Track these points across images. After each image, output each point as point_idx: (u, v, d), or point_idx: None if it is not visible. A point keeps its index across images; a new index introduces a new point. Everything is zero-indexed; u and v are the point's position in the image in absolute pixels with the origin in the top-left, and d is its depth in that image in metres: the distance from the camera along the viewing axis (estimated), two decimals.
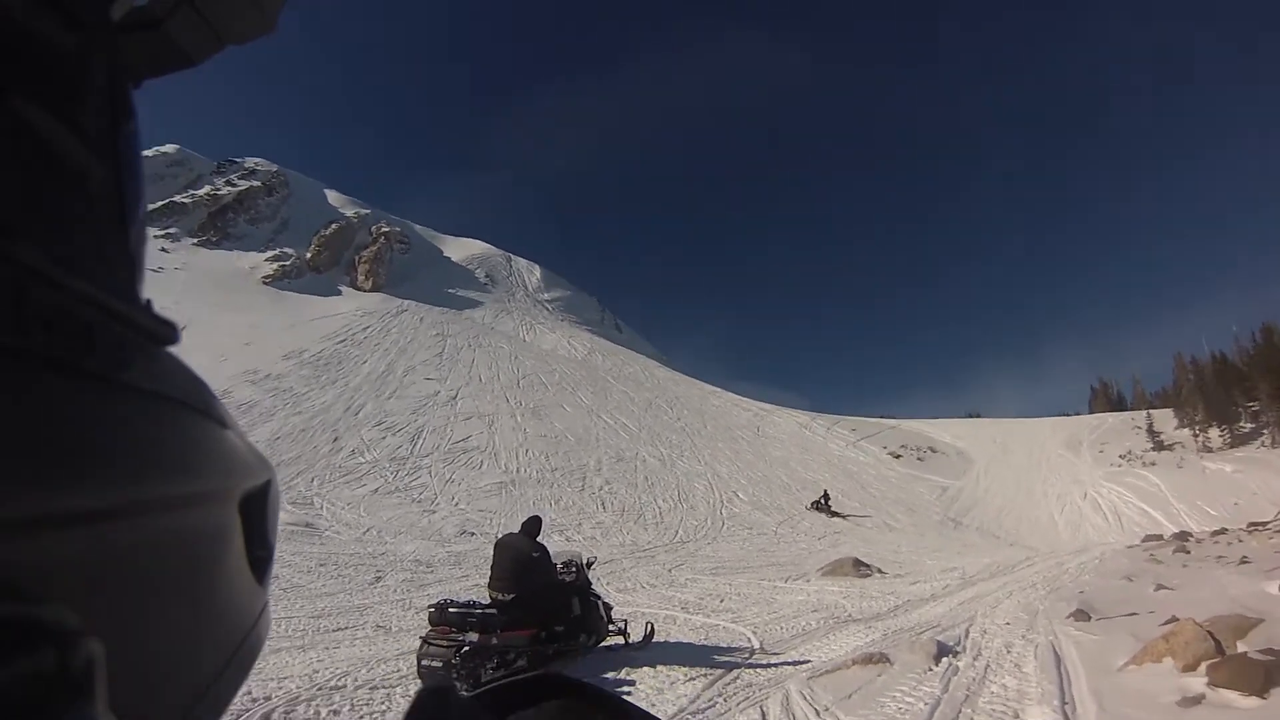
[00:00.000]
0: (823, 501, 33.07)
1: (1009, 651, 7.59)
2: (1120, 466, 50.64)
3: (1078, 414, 76.75)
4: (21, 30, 0.35)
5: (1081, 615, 9.14)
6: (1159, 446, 54.92)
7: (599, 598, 9.41)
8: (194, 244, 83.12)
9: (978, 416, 78.24)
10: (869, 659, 7.46)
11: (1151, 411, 63.62)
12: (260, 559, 0.52)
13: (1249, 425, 55.85)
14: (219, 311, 53.84)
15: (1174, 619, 7.35)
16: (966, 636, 8.50)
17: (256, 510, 0.51)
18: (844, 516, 32.17)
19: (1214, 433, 55.77)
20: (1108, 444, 56.95)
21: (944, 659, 7.32)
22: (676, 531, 23.97)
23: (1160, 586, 11.56)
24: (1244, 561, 13.94)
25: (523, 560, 8.61)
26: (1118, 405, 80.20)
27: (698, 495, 30.41)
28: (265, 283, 73.48)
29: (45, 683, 0.24)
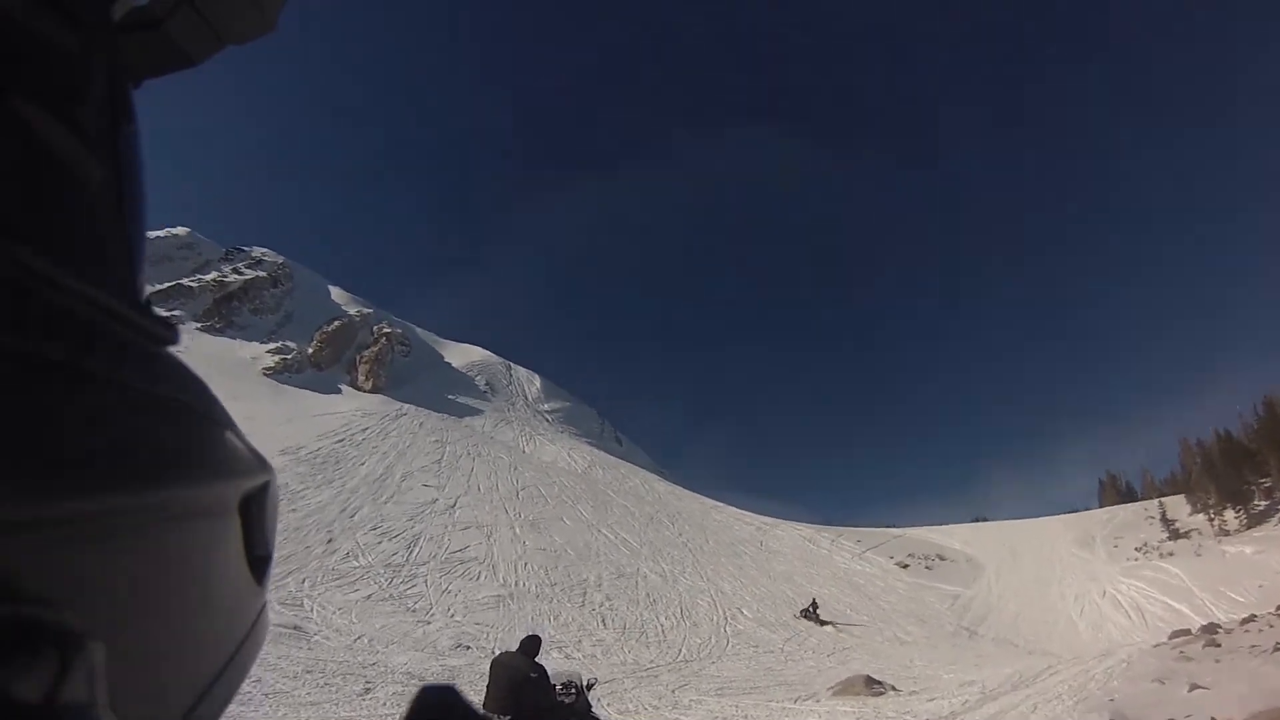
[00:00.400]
0: (810, 609, 32.67)
1: None
2: (1137, 560, 49.44)
3: (1087, 509, 75.30)
4: (21, 30, 0.35)
5: None
6: (1175, 535, 53.80)
7: None
8: (198, 328, 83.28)
9: (984, 520, 77.04)
10: None
11: (1163, 500, 62.54)
12: (259, 559, 0.53)
13: (1263, 503, 54.79)
14: (220, 399, 53.56)
15: None
16: None
17: (256, 511, 0.51)
18: (834, 625, 31.63)
19: (1229, 514, 54.56)
20: (1122, 537, 55.82)
21: None
22: (680, 650, 23.05)
23: (1194, 686, 10.98)
24: (1277, 649, 13.34)
25: (520, 680, 8.09)
26: (1128, 496, 78.69)
27: (701, 612, 29.41)
28: (266, 374, 73.28)
29: (46, 683, 0.24)
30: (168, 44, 0.57)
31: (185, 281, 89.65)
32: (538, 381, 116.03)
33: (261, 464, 0.53)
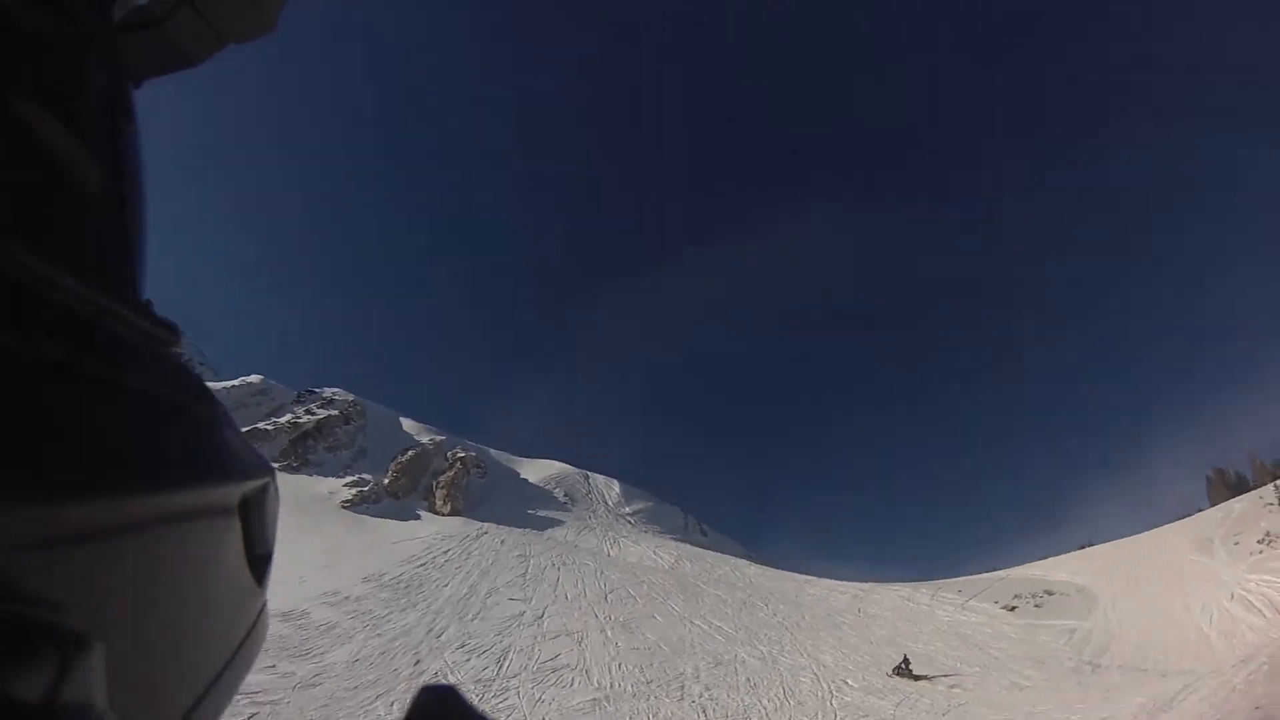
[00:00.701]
0: (904, 666, 31.67)
1: None
2: (1262, 553, 45.90)
3: (1199, 511, 71.13)
4: (21, 30, 0.35)
5: None
6: None
7: None
8: (277, 469, 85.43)
9: (1090, 545, 73.28)
10: None
11: (1278, 483, 58.91)
12: (259, 560, 0.52)
13: None
14: (299, 534, 53.72)
15: None
16: None
17: (255, 511, 0.51)
18: (929, 679, 30.58)
19: None
20: (1241, 532, 52.24)
21: None
22: None
23: None
24: None
25: None
26: (1239, 488, 73.87)
27: (804, 689, 28.20)
28: (344, 506, 73.80)
29: (46, 683, 0.24)
30: (168, 44, 0.57)
31: (261, 425, 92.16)
32: (616, 486, 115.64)
33: (262, 464, 0.54)
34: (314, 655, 30.04)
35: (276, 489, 0.57)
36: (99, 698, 0.27)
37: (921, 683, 29.98)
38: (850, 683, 29.13)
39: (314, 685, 25.78)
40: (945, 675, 31.57)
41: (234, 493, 0.46)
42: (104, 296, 0.35)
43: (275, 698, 23.81)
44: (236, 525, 0.47)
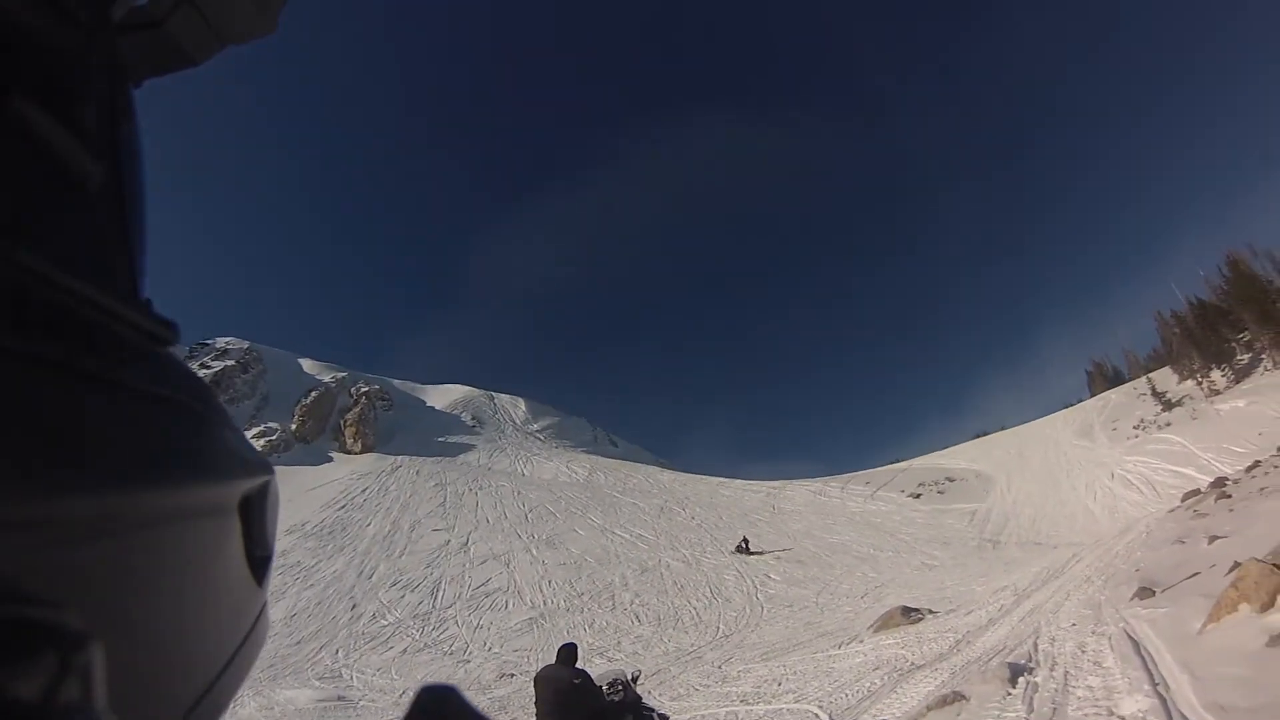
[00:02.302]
0: (743, 545, 36.86)
1: (1084, 652, 7.18)
2: (1138, 437, 49.89)
3: (1081, 401, 75.99)
4: (21, 30, 0.35)
5: (1145, 593, 8.77)
6: (1168, 405, 54.24)
7: (653, 710, 8.94)
8: None
9: (985, 434, 77.54)
10: (944, 701, 7.05)
11: (1150, 375, 63.00)
12: (259, 560, 0.52)
13: (1245, 356, 55.22)
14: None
15: (1236, 564, 7.01)
16: (1036, 650, 8.07)
17: (255, 511, 0.51)
18: (762, 553, 36.06)
19: (1215, 375, 54.75)
20: (1119, 419, 56.41)
21: (1020, 679, 6.90)
22: (717, 627, 23.14)
23: (1213, 538, 11.19)
24: None
25: (565, 690, 8.15)
26: (1116, 380, 79.15)
27: (730, 587, 29.52)
28: None
29: (46, 684, 0.24)
30: (168, 44, 0.57)
31: None
32: (522, 404, 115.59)
33: (261, 464, 0.52)
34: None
35: (277, 489, 0.57)
36: (99, 697, 0.27)
37: (754, 556, 35.37)
38: (773, 576, 30.49)
39: None
40: (775, 550, 36.60)
41: (234, 492, 0.47)
42: (104, 296, 0.35)
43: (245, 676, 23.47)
44: (236, 525, 0.47)
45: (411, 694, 0.42)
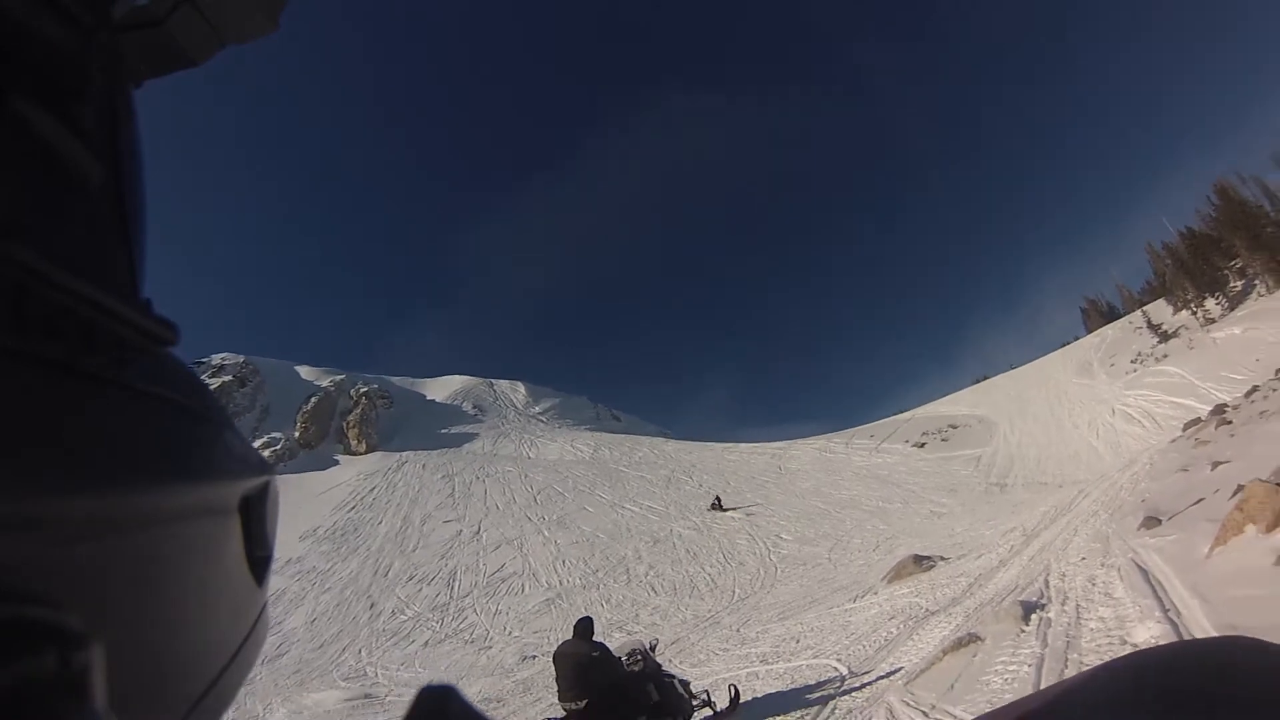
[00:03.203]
0: (716, 503, 39.39)
1: (1094, 584, 7.22)
2: (1136, 371, 50.04)
3: (1077, 339, 76.08)
4: (21, 30, 0.35)
5: (1151, 522, 8.81)
6: (1164, 337, 54.40)
7: (674, 677, 9.02)
8: None
9: (985, 379, 77.70)
10: (959, 644, 7.09)
11: (1145, 308, 63.37)
12: (259, 560, 0.52)
13: (1239, 283, 55.40)
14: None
15: (1240, 487, 7.04)
16: (1048, 587, 8.12)
17: (256, 511, 0.51)
18: (735, 509, 38.45)
19: (1210, 304, 54.93)
20: (1116, 355, 56.55)
21: (1033, 616, 6.95)
22: (733, 591, 23.30)
23: (1216, 463, 11.22)
24: None
25: (584, 663, 8.24)
26: (1111, 316, 79.31)
27: (742, 550, 29.71)
28: None
29: (46, 684, 0.24)
30: (169, 44, 0.56)
31: None
32: (522, 388, 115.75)
33: (261, 464, 0.52)
34: (271, 627, 29.50)
35: (277, 489, 0.57)
36: (99, 698, 0.27)
37: (729, 513, 37.93)
38: (784, 537, 30.64)
39: (280, 655, 25.69)
40: (745, 506, 38.83)
41: (234, 492, 0.47)
42: (104, 296, 0.35)
43: (247, 677, 23.61)
44: (237, 525, 0.47)
45: (412, 694, 0.40)
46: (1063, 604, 7.04)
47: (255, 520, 0.51)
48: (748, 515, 36.98)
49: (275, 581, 35.60)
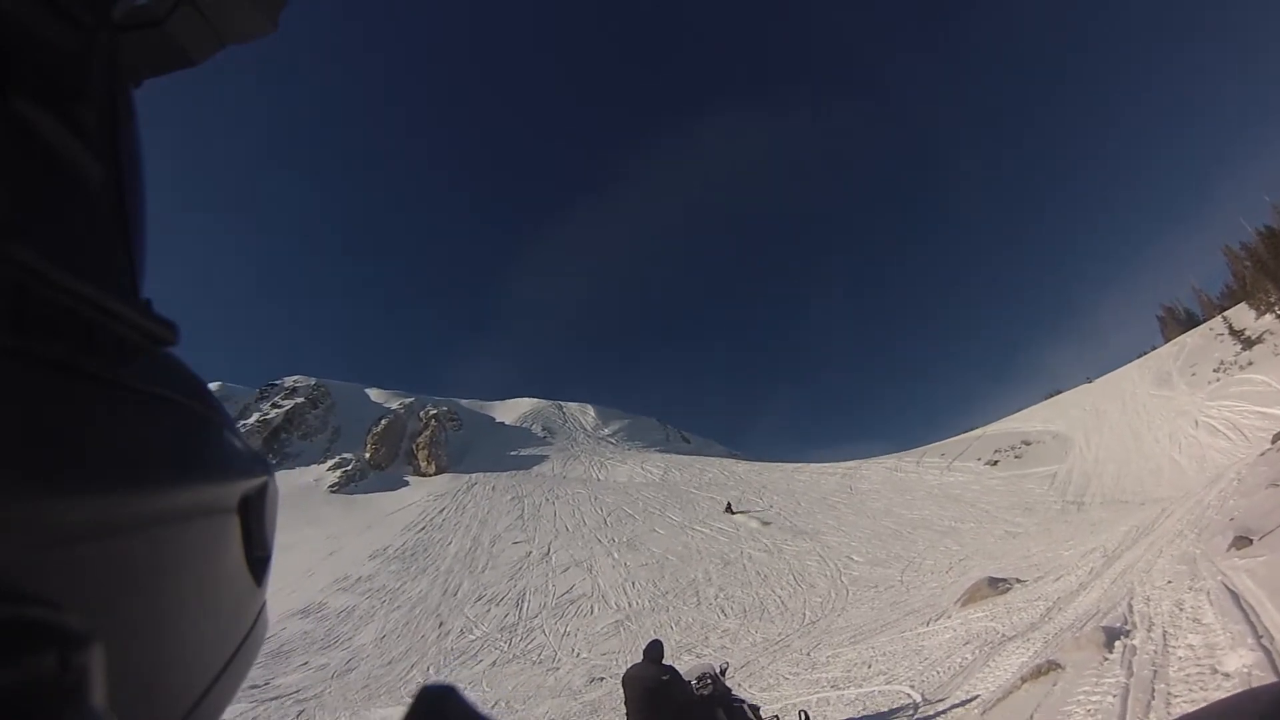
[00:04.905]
0: (729, 508, 44.93)
1: (1181, 609, 6.96)
2: (1219, 380, 47.60)
3: (1155, 349, 73.22)
4: (21, 30, 0.35)
5: (1241, 541, 8.45)
6: (1248, 344, 51.64)
7: (743, 702, 8.95)
8: None
9: (1059, 394, 75.38)
10: (1038, 672, 6.90)
11: (1226, 314, 60.34)
12: (258, 560, 0.52)
13: None
14: (296, 529, 53.91)
15: None
16: (1131, 612, 7.85)
17: (255, 511, 0.51)
18: (745, 513, 43.48)
19: None
20: (1197, 363, 54.01)
21: (1116, 643, 6.73)
22: (803, 614, 22.91)
23: None
24: None
25: (653, 687, 8.22)
26: (1189, 323, 75.79)
27: (813, 572, 29.21)
28: (333, 491, 74.17)
29: (46, 684, 0.24)
30: (168, 43, 0.57)
31: None
32: (591, 410, 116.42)
33: (261, 464, 0.53)
34: (341, 643, 30.63)
35: (276, 489, 0.59)
36: (99, 698, 0.27)
37: (739, 515, 43.02)
38: (855, 558, 30.11)
39: (349, 671, 26.29)
40: (757, 510, 44.31)
41: (233, 492, 0.47)
42: (104, 296, 0.35)
43: (316, 691, 24.26)
44: (236, 525, 0.47)
45: (411, 694, 0.42)
46: (1148, 630, 6.80)
47: (254, 520, 0.51)
48: (764, 523, 40.31)
49: (344, 600, 36.82)
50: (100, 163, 0.41)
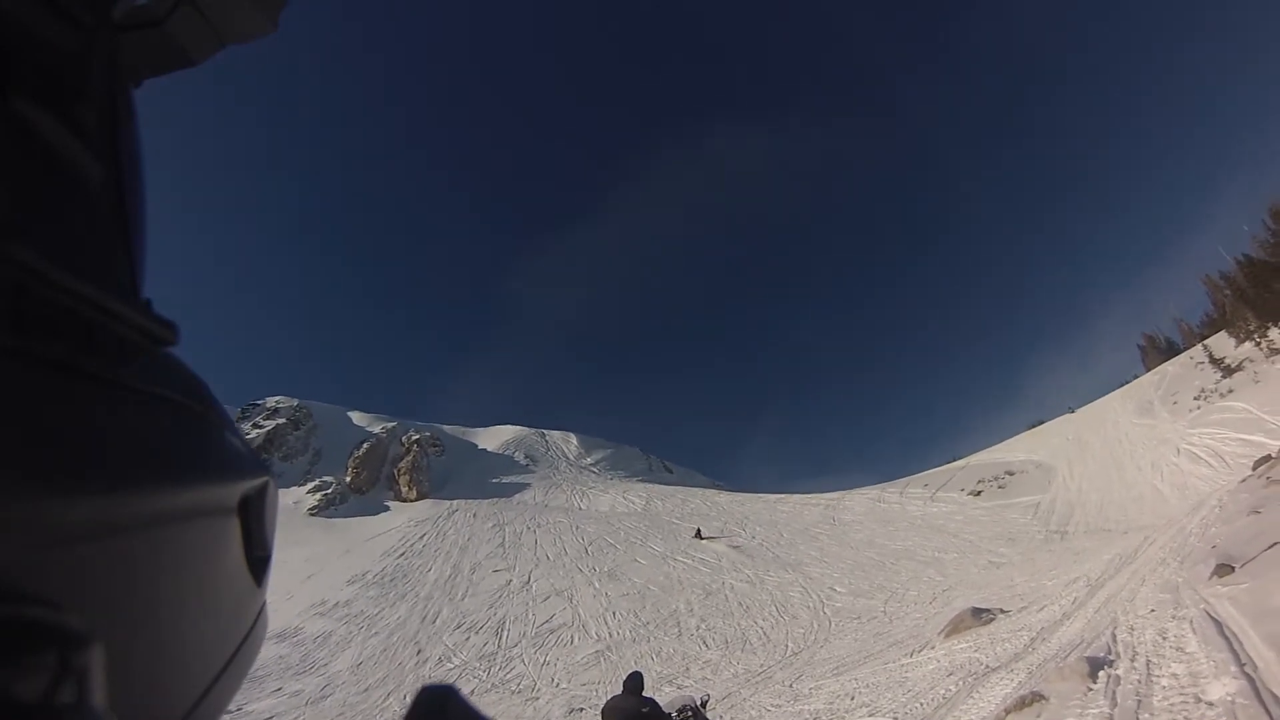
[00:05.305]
0: (698, 533, 46.71)
1: (1164, 638, 6.89)
2: (1200, 408, 47.81)
3: (1136, 378, 73.70)
4: (21, 30, 0.35)
5: (1224, 569, 8.41)
6: (1228, 372, 51.89)
7: None
8: None
9: (1041, 423, 75.71)
10: (1022, 703, 6.81)
11: (1206, 342, 60.69)
12: (258, 560, 0.53)
13: None
14: (275, 550, 53.43)
15: None
16: (1115, 641, 7.77)
17: (254, 512, 0.51)
18: (714, 538, 45.67)
19: (1274, 333, 52.26)
20: (1178, 392, 54.32)
21: (1100, 673, 6.64)
22: (786, 646, 22.77)
23: None
24: None
25: (633, 719, 8.05)
26: (1170, 352, 76.22)
27: (795, 603, 29.04)
28: (312, 514, 73.21)
29: (46, 684, 0.24)
30: (168, 43, 0.56)
31: None
32: (574, 439, 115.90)
33: (261, 465, 0.53)
34: (317, 669, 30.15)
35: (276, 490, 0.58)
36: (98, 698, 0.27)
37: (706, 540, 45.04)
38: (838, 589, 29.95)
39: (324, 698, 25.85)
40: (723, 535, 46.56)
41: (233, 493, 0.46)
42: (104, 296, 0.35)
43: (290, 719, 23.97)
44: (236, 525, 0.47)
45: (412, 694, 0.41)
46: (1132, 660, 6.72)
47: (254, 520, 0.51)
48: (732, 547, 42.33)
49: (321, 624, 36.33)
50: (100, 163, 0.41)
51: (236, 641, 0.48)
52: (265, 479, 0.54)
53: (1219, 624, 6.37)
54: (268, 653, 31.61)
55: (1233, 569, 8.28)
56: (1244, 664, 5.05)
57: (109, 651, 0.28)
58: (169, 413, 0.41)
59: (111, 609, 0.32)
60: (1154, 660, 6.34)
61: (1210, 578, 8.40)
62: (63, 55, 0.38)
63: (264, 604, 0.57)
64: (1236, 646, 5.52)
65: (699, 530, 47.76)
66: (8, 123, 0.33)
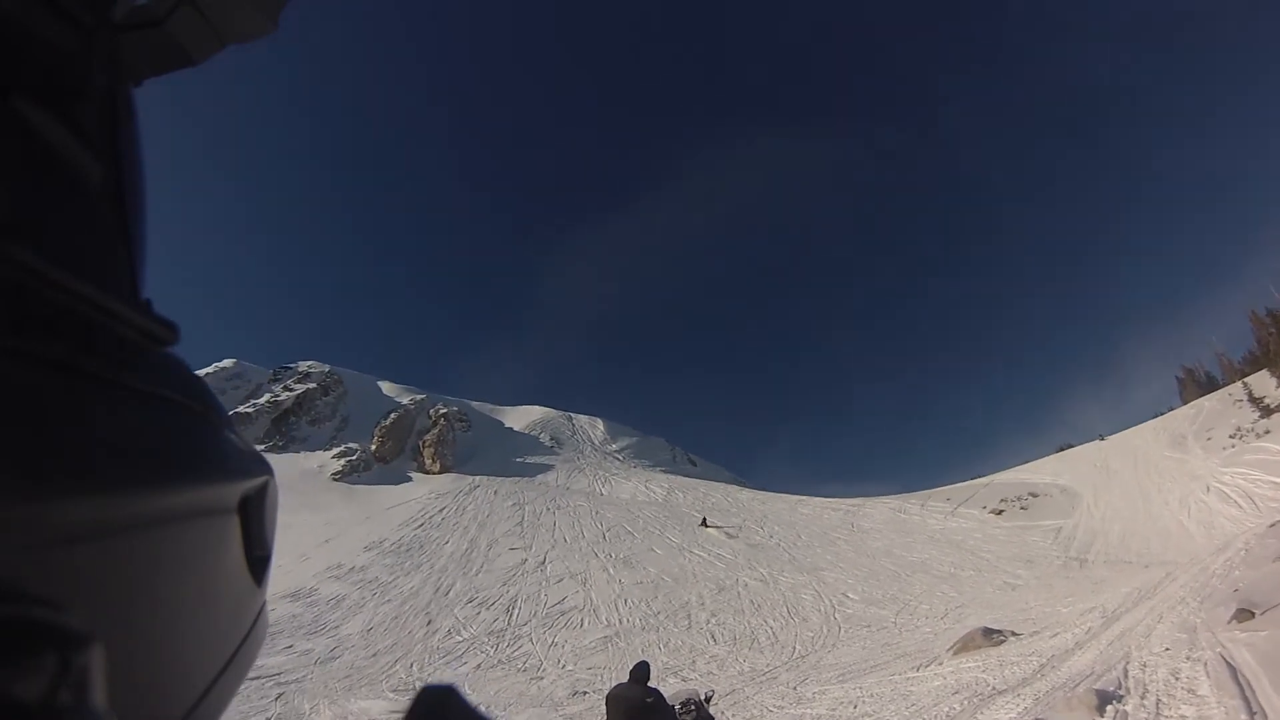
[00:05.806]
0: (704, 522, 48.25)
1: (1177, 678, 6.86)
2: (1234, 447, 46.90)
3: (1171, 410, 72.32)
4: (21, 30, 0.35)
5: (1244, 614, 8.32)
6: (1266, 412, 50.77)
7: None
8: (262, 450, 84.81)
9: (1070, 447, 74.62)
10: None
11: (1246, 380, 59.41)
12: (258, 560, 0.52)
13: None
14: (295, 512, 53.57)
15: None
16: (1126, 676, 7.73)
17: (255, 511, 0.51)
18: (719, 528, 46.72)
19: None
20: (1213, 428, 53.30)
21: (1108, 707, 6.63)
22: (793, 648, 22.77)
23: None
24: None
25: (637, 708, 8.15)
26: (1209, 387, 74.70)
27: (807, 606, 29.00)
28: (335, 479, 73.69)
29: (46, 684, 0.24)
30: (168, 43, 0.57)
31: (241, 409, 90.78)
32: (601, 425, 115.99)
33: (261, 464, 0.53)
34: (328, 630, 30.50)
35: (276, 489, 0.58)
36: (99, 698, 0.27)
37: (710, 529, 46.62)
38: (851, 596, 29.85)
39: (333, 659, 26.17)
40: (729, 526, 47.47)
41: (233, 492, 0.46)
42: (104, 296, 0.35)
43: (298, 676, 24.15)
44: (236, 525, 0.47)
45: (411, 694, 0.41)
46: (1142, 697, 6.69)
47: (254, 520, 0.51)
48: (729, 536, 44.04)
49: (336, 587, 36.75)
50: (100, 163, 0.40)
51: (237, 641, 0.48)
52: (265, 479, 0.54)
53: (1234, 669, 6.33)
54: (282, 611, 32.07)
55: (1254, 615, 8.20)
56: (1255, 713, 5.04)
57: (109, 651, 0.28)
58: (169, 413, 0.41)
59: (112, 609, 0.32)
60: (1164, 700, 6.32)
61: (1230, 621, 8.33)
62: (63, 55, 0.38)
63: (264, 604, 0.57)
64: (1249, 694, 5.49)
65: (704, 519, 49.22)
66: (8, 123, 0.33)
